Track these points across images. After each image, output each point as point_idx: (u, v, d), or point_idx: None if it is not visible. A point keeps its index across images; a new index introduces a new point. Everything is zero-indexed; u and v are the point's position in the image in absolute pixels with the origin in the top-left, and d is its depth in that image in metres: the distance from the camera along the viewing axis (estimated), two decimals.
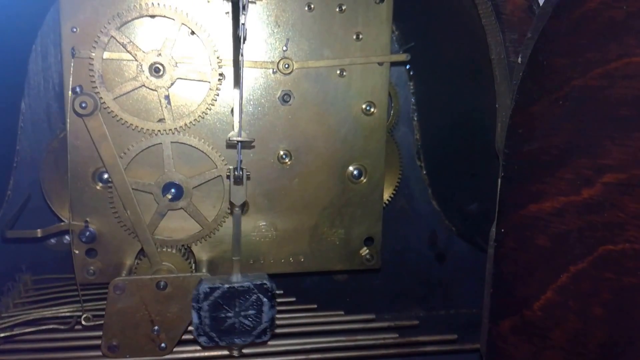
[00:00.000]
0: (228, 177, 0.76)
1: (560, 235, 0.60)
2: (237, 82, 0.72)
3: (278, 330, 0.85)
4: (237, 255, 0.77)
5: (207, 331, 0.76)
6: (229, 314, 0.76)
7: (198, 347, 0.85)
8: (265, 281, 0.76)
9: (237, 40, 0.72)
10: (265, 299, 0.76)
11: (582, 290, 0.59)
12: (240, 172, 0.73)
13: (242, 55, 0.71)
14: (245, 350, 0.84)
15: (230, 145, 0.80)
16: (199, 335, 0.77)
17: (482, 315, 0.71)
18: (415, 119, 1.06)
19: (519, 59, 0.63)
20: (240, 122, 0.73)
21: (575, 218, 0.59)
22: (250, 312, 0.76)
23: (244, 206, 0.84)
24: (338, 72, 0.85)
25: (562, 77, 0.59)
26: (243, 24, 0.70)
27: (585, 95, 0.57)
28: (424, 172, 1.07)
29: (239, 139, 0.73)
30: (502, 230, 0.66)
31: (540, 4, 0.63)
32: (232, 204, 0.76)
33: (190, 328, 0.83)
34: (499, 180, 0.66)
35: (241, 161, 0.74)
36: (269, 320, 0.77)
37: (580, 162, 0.58)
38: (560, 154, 0.59)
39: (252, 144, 0.83)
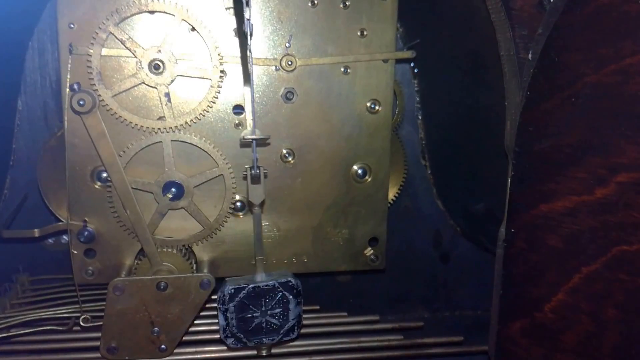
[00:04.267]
0: (244, 177, 0.75)
1: (572, 236, 0.59)
2: (247, 79, 0.72)
3: None
4: (260, 254, 0.77)
5: (234, 332, 0.76)
6: (256, 314, 0.76)
7: (198, 349, 0.84)
8: (290, 279, 0.76)
9: (242, 37, 0.71)
10: (290, 297, 0.76)
11: (594, 292, 0.58)
12: (257, 171, 0.72)
13: (249, 51, 0.70)
14: (246, 352, 0.83)
15: (245, 144, 0.79)
16: (226, 337, 0.76)
17: (491, 317, 0.69)
18: (420, 117, 1.04)
19: (530, 55, 0.62)
20: (254, 119, 0.72)
21: (588, 218, 0.58)
22: (277, 310, 0.76)
23: (263, 205, 0.83)
24: (342, 69, 0.83)
25: (574, 74, 0.57)
26: (248, 20, 0.68)
27: (599, 92, 0.56)
28: (429, 172, 1.06)
29: (254, 136, 0.72)
30: (512, 230, 0.65)
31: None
32: (250, 204, 0.75)
33: (191, 329, 0.82)
34: (509, 180, 0.65)
35: (257, 159, 0.73)
36: (296, 318, 0.77)
37: (593, 160, 0.57)
38: (572, 152, 0.58)
39: (267, 141, 0.82)
